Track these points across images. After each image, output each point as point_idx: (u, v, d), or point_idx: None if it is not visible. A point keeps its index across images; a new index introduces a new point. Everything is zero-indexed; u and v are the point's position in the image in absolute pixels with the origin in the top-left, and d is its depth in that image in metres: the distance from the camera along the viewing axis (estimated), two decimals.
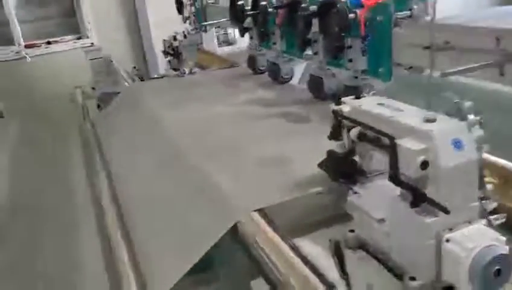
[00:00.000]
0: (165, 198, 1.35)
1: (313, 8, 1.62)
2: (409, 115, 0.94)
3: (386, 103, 1.03)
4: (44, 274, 1.38)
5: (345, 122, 1.07)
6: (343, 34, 1.53)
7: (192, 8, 3.66)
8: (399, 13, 1.49)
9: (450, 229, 0.86)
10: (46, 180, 1.95)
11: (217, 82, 2.40)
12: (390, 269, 0.97)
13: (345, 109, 1.07)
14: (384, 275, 0.97)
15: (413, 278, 0.89)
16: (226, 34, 4.21)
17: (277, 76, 2.21)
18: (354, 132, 1.03)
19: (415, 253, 0.89)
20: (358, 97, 1.10)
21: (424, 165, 0.84)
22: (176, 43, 2.62)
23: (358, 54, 1.58)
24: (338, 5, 1.48)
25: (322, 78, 1.83)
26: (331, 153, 1.14)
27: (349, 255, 1.04)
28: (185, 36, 2.64)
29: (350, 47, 1.60)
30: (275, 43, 2.21)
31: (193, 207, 1.20)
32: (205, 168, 1.34)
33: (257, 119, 1.74)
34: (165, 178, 1.43)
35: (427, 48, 1.19)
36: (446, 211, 0.79)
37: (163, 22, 4.40)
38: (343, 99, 1.08)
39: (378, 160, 1.14)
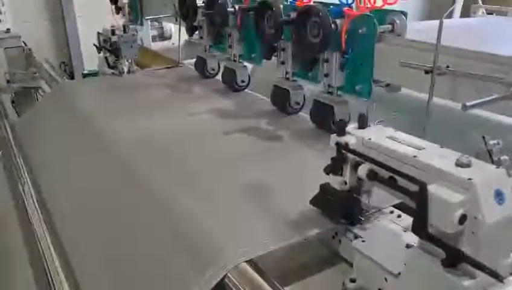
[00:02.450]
0: (129, 235, 1.14)
1: (292, 14, 1.48)
2: (434, 154, 0.83)
3: (398, 137, 0.92)
4: None
5: (351, 156, 0.94)
6: (322, 46, 1.40)
7: None
8: (380, 26, 1.39)
9: None
10: None
11: (164, 85, 2.19)
12: None
13: (351, 141, 0.94)
14: None
15: None
16: (161, 28, 3.93)
17: (232, 83, 2.04)
18: (364, 169, 0.90)
19: None
20: (362, 127, 0.97)
21: (463, 219, 0.73)
22: (114, 38, 2.35)
23: (336, 68, 1.46)
24: (320, 13, 1.35)
25: (288, 91, 1.69)
26: (328, 189, 1.01)
27: None
28: (124, 30, 2.38)
29: (327, 60, 1.47)
30: (230, 46, 2.04)
31: (169, 251, 1.01)
32: (176, 200, 1.15)
33: (223, 135, 1.56)
34: (126, 210, 1.21)
35: (428, 72, 1.09)
36: (500, 279, 0.69)
37: (91, 10, 4.04)
38: (347, 129, 0.95)
39: (377, 196, 1.03)
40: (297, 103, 1.72)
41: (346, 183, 0.97)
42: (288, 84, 1.71)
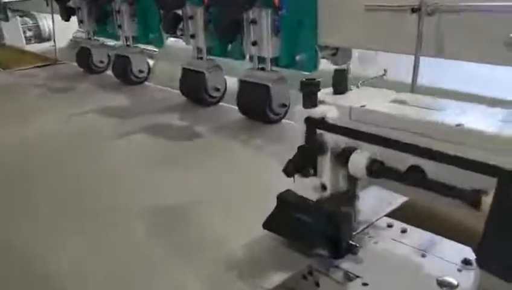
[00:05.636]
0: None
1: None
2: (487, 118, 0.47)
3: (410, 100, 0.55)
4: None
5: (332, 140, 0.55)
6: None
7: None
8: None
9: None
10: None
11: (36, 85, 1.70)
12: None
13: (331, 113, 0.55)
14: None
15: None
16: (37, 26, 3.33)
17: (126, 73, 1.59)
18: (361, 158, 0.52)
19: None
20: (341, 91, 0.59)
21: None
22: None
23: (268, 32, 1.09)
24: None
25: (203, 74, 1.30)
26: (293, 201, 0.61)
27: None
28: None
29: (255, 21, 1.09)
30: (120, 26, 1.59)
31: None
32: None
33: (119, 138, 1.17)
34: None
35: (416, 11, 0.75)
36: None
37: None
38: (321, 96, 0.56)
39: (367, 205, 0.67)
40: (217, 90, 1.32)
41: (325, 187, 0.58)
42: (202, 65, 1.30)
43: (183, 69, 1.36)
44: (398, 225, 0.70)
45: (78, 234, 0.74)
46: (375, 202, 0.69)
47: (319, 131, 0.56)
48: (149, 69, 1.65)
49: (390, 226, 0.69)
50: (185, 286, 0.60)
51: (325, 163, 0.57)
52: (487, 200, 0.43)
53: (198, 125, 1.20)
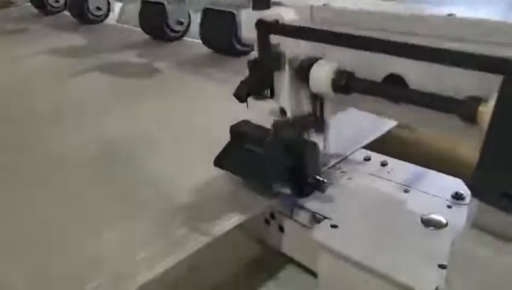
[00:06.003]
0: None
1: None
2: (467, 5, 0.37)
3: None
4: None
5: (289, 49, 0.44)
6: None
7: None
8: None
9: None
10: None
11: None
12: None
13: (288, 15, 0.44)
14: None
15: None
16: None
17: (83, 11, 1.44)
18: (327, 69, 0.41)
19: None
20: None
21: None
22: None
23: None
24: None
25: (163, 5, 1.15)
26: (247, 132, 0.51)
27: None
28: None
29: None
30: None
31: None
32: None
33: (72, 77, 1.06)
34: None
35: None
36: None
37: None
38: None
39: (339, 135, 0.56)
40: (180, 23, 1.18)
41: (284, 111, 0.47)
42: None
43: (142, 2, 1.21)
44: (377, 157, 0.59)
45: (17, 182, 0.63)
46: (350, 130, 0.59)
47: (273, 40, 0.44)
48: (108, 6, 1.50)
49: (367, 159, 0.59)
50: (123, 234, 0.50)
51: (283, 81, 0.46)
52: (485, 111, 0.33)
53: (159, 61, 1.07)
